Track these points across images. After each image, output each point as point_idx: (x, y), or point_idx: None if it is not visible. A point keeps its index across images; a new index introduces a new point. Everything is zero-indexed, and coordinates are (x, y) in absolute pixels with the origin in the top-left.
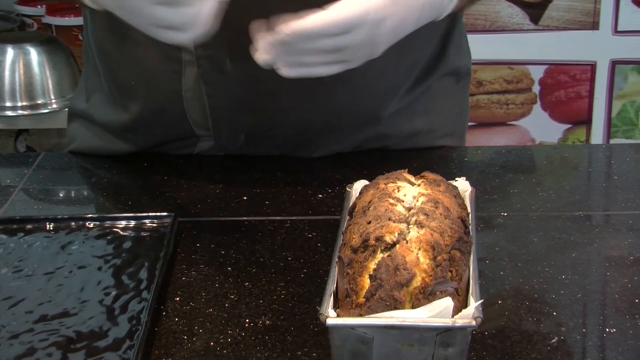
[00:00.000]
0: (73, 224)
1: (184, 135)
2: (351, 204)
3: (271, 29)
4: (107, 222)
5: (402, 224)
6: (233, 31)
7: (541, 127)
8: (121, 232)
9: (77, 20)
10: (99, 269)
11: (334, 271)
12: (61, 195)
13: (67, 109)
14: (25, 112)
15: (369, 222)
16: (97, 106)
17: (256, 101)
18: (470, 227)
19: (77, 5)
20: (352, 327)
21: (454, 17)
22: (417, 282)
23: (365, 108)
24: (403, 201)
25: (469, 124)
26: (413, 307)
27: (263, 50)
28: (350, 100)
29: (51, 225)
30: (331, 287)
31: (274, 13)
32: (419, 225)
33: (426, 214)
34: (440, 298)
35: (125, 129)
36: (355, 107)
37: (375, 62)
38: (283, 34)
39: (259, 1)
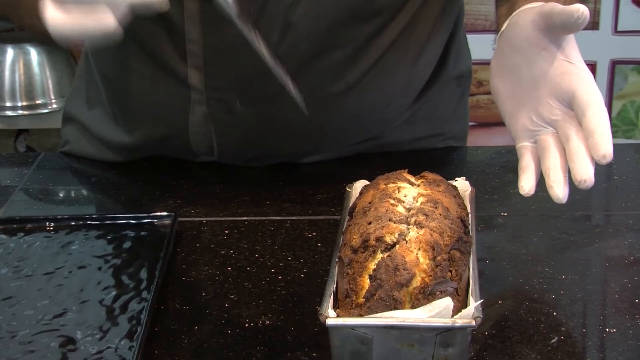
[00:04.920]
0: (73, 224)
1: (187, 155)
2: (351, 204)
3: None
4: (107, 222)
5: (402, 224)
6: (244, 75)
7: None
8: (121, 232)
9: None
10: (99, 269)
11: (334, 271)
12: (61, 195)
13: None
14: (25, 112)
15: (370, 223)
16: (96, 120)
17: (265, 137)
18: (470, 227)
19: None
20: (352, 327)
21: (455, 26)
22: (416, 282)
23: (370, 132)
24: (404, 202)
25: (469, 123)
26: (413, 307)
27: None
28: (356, 130)
29: (51, 225)
30: (331, 287)
31: (287, 58)
32: (419, 225)
33: (425, 214)
34: (440, 298)
35: (126, 148)
36: (359, 133)
37: (383, 95)
38: None
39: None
